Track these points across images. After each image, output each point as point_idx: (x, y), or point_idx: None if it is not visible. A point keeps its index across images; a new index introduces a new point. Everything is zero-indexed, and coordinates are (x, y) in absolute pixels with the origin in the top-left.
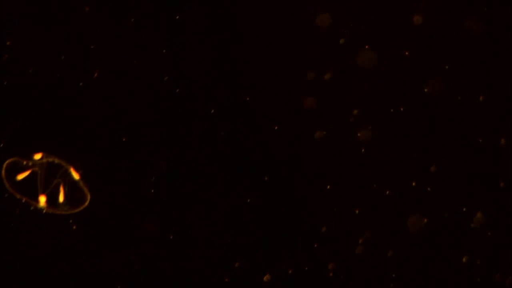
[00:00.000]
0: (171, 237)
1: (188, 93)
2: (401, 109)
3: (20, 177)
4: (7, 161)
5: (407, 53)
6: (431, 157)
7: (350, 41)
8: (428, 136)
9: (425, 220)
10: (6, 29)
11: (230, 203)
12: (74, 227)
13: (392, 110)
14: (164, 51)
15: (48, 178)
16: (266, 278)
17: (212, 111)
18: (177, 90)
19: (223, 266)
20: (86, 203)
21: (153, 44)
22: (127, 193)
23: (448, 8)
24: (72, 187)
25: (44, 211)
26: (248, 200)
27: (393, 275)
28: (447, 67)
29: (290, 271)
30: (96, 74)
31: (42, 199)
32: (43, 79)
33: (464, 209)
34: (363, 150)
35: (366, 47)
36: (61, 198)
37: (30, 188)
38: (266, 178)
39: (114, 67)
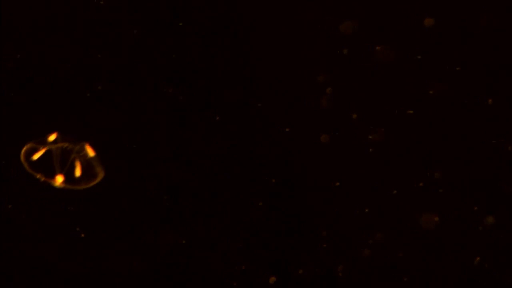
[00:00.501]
0: (183, 242)
1: (200, 95)
2: (410, 111)
3: (36, 157)
4: (25, 146)
5: (419, 56)
6: (440, 159)
7: (361, 42)
8: (438, 138)
9: (436, 219)
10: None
11: (240, 205)
12: (82, 235)
13: (401, 111)
14: (174, 56)
15: (64, 156)
16: (271, 280)
17: (218, 117)
18: (190, 91)
19: (230, 268)
20: (100, 178)
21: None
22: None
23: (460, 9)
24: (87, 163)
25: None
26: (260, 203)
27: (404, 278)
28: (457, 69)
29: (300, 271)
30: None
31: (59, 179)
32: (57, 58)
33: (475, 209)
34: (371, 150)
35: (378, 48)
36: (77, 173)
37: (47, 167)
38: (273, 181)
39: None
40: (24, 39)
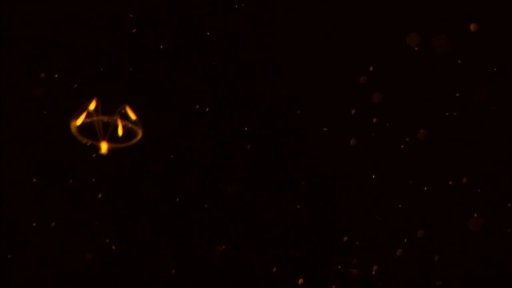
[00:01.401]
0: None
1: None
2: (450, 113)
3: (78, 123)
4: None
5: (459, 61)
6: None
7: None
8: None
9: (481, 220)
10: None
11: (272, 207)
12: (113, 247)
13: (441, 113)
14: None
15: (106, 122)
16: (300, 281)
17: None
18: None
19: (260, 269)
20: (139, 137)
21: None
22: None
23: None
24: (129, 124)
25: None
26: (298, 206)
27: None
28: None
29: (338, 267)
30: None
31: (104, 146)
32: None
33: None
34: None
35: (416, 49)
36: (120, 132)
37: (91, 134)
38: (302, 183)
39: None
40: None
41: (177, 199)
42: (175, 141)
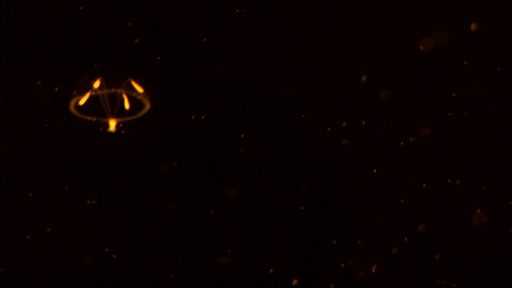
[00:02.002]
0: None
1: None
2: (452, 113)
3: (82, 102)
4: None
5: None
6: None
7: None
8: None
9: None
10: None
11: (273, 209)
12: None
13: (444, 113)
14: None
15: (112, 98)
16: (294, 282)
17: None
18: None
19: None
20: (147, 110)
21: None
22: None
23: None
24: (135, 97)
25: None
26: (302, 208)
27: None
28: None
29: (342, 265)
30: None
31: (112, 123)
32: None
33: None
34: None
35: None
36: (126, 106)
37: (98, 111)
38: (304, 184)
39: None
40: None
41: (178, 202)
42: (174, 142)
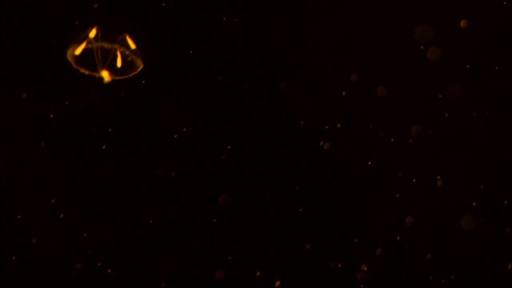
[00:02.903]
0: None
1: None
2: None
3: (78, 51)
4: (70, 46)
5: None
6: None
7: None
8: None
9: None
10: None
11: (264, 211)
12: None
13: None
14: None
15: (106, 51)
16: (277, 284)
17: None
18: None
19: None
20: (139, 70)
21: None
22: None
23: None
24: (128, 54)
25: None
26: (300, 210)
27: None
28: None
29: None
30: None
31: (105, 74)
32: None
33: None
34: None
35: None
36: (118, 64)
37: (91, 63)
38: (297, 188)
39: None
40: None
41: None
42: (173, 145)
